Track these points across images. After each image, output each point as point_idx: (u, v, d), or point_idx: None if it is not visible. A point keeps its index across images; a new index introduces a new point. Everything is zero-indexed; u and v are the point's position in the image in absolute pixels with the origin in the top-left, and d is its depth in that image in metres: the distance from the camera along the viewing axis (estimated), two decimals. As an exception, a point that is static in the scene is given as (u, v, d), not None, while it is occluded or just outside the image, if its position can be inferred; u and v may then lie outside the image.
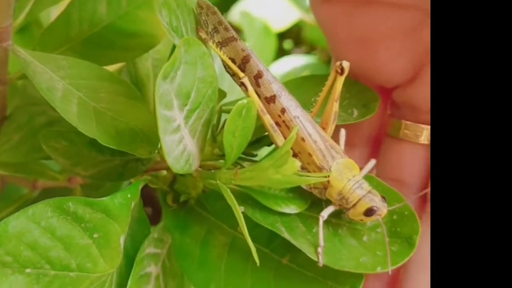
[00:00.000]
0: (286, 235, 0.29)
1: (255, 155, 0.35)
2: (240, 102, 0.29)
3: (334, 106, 0.33)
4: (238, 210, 0.29)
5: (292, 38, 0.95)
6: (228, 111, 0.34)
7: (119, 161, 0.36)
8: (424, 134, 0.37)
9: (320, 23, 0.37)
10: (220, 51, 0.33)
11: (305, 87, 0.36)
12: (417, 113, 0.37)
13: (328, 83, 0.34)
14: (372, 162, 0.34)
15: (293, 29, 0.91)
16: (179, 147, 0.28)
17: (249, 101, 0.29)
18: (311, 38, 0.91)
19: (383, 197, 0.31)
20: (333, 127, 0.33)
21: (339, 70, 0.33)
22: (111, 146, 0.32)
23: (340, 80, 0.33)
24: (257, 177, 0.29)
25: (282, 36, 0.90)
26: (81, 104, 0.34)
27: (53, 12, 0.46)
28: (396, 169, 0.37)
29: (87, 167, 0.36)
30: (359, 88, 0.37)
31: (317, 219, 0.30)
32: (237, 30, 0.98)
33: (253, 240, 0.29)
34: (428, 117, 0.37)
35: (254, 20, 0.88)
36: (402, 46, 0.35)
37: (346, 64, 0.33)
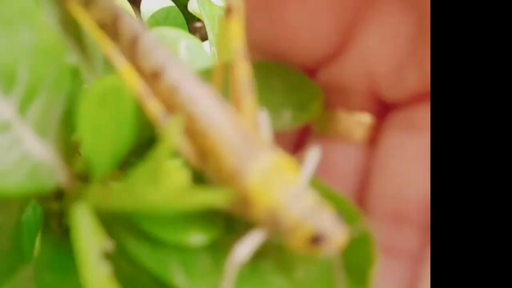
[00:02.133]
0: (180, 280, 0.20)
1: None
2: (99, 82, 0.19)
3: (240, 67, 0.22)
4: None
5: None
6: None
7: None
8: (359, 128, 0.27)
9: None
10: (82, 9, 0.22)
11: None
12: (348, 97, 0.27)
13: (219, 34, 0.22)
14: (315, 153, 0.23)
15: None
16: (12, 154, 0.19)
17: (116, 82, 0.19)
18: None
19: (338, 216, 0.21)
20: (252, 103, 0.22)
21: (225, 11, 0.22)
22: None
23: (235, 24, 0.22)
24: (129, 198, 0.19)
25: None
26: None
27: None
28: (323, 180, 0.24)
29: None
30: (292, 79, 0.26)
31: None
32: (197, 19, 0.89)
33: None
34: (363, 101, 0.26)
35: (214, 8, 0.79)
36: (318, 2, 0.24)
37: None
